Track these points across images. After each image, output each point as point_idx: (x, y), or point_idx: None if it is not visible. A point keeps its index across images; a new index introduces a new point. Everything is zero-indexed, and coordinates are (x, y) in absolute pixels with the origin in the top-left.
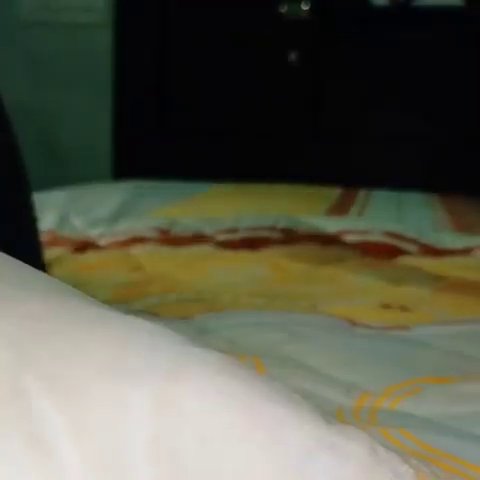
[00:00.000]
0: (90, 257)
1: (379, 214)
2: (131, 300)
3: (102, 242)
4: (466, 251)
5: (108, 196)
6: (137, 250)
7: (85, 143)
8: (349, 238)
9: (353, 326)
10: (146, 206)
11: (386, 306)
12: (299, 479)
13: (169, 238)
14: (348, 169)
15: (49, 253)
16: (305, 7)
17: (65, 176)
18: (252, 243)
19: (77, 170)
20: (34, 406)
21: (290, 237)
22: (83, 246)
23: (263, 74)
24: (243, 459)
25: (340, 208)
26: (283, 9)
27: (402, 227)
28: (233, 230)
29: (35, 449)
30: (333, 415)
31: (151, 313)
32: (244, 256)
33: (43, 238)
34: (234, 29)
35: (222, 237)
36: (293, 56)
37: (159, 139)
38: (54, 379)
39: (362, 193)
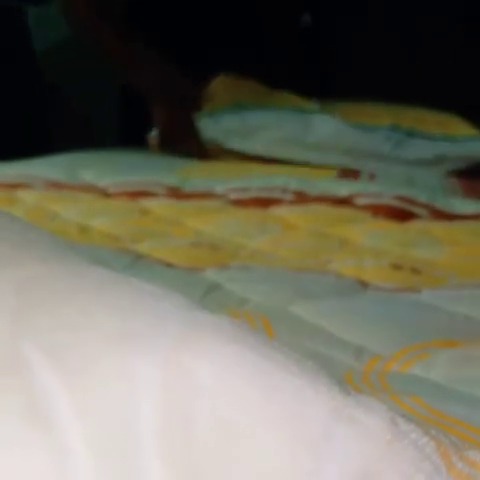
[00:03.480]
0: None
1: (390, 179)
2: (140, 240)
3: (110, 191)
4: (477, 216)
5: (114, 160)
6: (146, 201)
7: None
8: (360, 201)
9: (364, 288)
10: (153, 168)
11: (397, 267)
12: (316, 455)
13: (179, 194)
14: None
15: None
16: None
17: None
18: (264, 202)
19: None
20: (36, 379)
21: (302, 198)
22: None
23: (275, 37)
24: (258, 436)
25: (351, 173)
26: None
27: (413, 192)
28: (244, 189)
29: (36, 427)
30: (343, 379)
31: (165, 262)
32: (256, 212)
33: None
34: None
35: (233, 195)
36: (306, 18)
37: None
38: (57, 349)
39: None
